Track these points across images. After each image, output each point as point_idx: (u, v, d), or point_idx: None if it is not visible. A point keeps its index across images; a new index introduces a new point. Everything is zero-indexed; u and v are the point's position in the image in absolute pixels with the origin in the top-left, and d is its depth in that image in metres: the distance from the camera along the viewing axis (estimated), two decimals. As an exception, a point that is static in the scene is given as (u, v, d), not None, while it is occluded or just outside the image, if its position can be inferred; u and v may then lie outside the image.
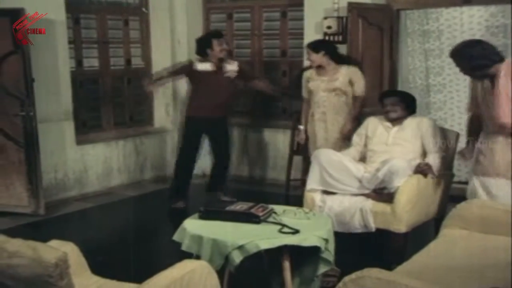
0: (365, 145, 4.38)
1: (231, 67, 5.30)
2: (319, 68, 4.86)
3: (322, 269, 3.14)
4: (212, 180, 5.59)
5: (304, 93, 5.02)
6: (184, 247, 3.02)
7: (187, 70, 5.34)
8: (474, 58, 3.48)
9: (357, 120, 4.78)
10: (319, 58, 4.80)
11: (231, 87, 5.36)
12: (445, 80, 5.55)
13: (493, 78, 3.51)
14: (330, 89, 4.81)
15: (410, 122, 4.23)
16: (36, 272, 1.92)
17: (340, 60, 4.89)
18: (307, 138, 5.02)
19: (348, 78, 4.79)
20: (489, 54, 3.50)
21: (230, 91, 5.34)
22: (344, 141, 4.73)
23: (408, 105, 4.26)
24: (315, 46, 4.85)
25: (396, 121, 4.26)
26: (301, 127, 5.05)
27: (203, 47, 5.25)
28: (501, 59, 3.52)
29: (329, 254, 3.07)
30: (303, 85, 5.04)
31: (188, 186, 5.47)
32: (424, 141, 4.15)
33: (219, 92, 5.23)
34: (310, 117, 4.97)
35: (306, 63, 5.38)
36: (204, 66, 5.21)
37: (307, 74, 4.99)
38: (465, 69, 3.63)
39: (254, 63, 6.41)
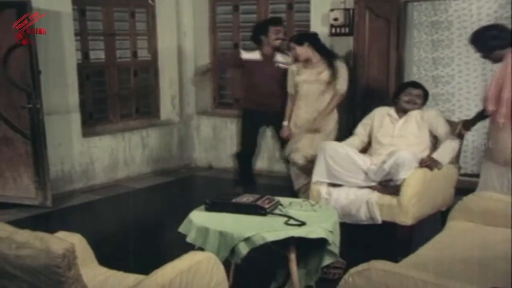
0: (370, 136, 4.38)
1: (283, 59, 5.06)
2: (306, 61, 4.76)
3: (327, 261, 3.14)
4: None
5: (290, 89, 4.89)
6: (189, 239, 3.03)
7: (232, 60, 5.13)
8: (489, 39, 3.69)
9: (328, 115, 4.70)
10: (304, 50, 4.70)
11: (280, 79, 4.96)
12: (454, 71, 5.52)
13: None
14: (318, 81, 4.72)
15: (415, 114, 4.23)
16: (44, 262, 1.93)
17: (324, 51, 4.78)
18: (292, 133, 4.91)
19: (332, 71, 4.68)
20: (504, 37, 3.67)
21: (279, 82, 4.96)
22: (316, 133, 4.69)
23: (425, 100, 4.30)
24: (298, 39, 4.76)
25: (402, 113, 4.26)
26: (285, 123, 4.92)
27: (258, 33, 5.05)
28: None
29: (334, 246, 3.08)
30: (288, 80, 4.90)
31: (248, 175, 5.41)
32: (436, 132, 4.15)
33: (267, 82, 5.00)
34: (296, 111, 4.86)
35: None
36: (250, 55, 5.03)
37: (292, 68, 4.86)
38: (482, 51, 3.81)
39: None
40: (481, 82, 5.36)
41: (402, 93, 4.27)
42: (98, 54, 6.15)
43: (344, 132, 5.13)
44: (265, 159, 6.32)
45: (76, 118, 5.69)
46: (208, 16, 6.65)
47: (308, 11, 5.84)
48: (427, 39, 5.57)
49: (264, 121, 5.22)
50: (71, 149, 5.70)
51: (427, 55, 5.58)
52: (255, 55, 5.08)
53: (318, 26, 5.65)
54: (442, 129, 4.13)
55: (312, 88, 4.75)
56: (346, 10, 5.46)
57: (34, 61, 4.90)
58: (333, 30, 5.56)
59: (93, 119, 6.16)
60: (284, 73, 4.97)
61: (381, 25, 5.19)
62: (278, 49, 5.10)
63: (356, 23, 5.24)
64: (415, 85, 4.36)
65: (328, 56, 4.78)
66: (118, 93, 6.36)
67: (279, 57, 5.10)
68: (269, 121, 5.19)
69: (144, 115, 6.67)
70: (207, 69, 5.46)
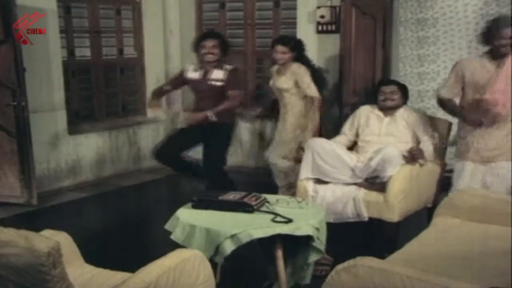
0: (357, 135, 4.39)
1: (216, 75, 4.63)
2: (281, 65, 4.74)
3: (313, 257, 3.15)
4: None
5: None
6: (174, 237, 3.02)
7: (180, 80, 4.94)
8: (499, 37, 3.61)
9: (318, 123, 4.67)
10: (285, 55, 4.65)
11: (220, 94, 4.61)
12: (439, 67, 5.56)
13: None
14: (278, 88, 4.77)
15: (402, 113, 4.26)
16: (29, 261, 1.92)
17: (299, 59, 4.69)
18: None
19: (293, 78, 4.65)
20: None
21: (219, 98, 4.59)
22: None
23: (403, 94, 4.31)
24: (285, 41, 4.73)
25: (388, 111, 4.28)
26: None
27: (194, 47, 4.79)
28: None
29: (320, 243, 3.08)
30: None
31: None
32: (416, 131, 4.17)
33: (207, 98, 4.69)
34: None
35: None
36: (193, 74, 4.79)
37: (274, 68, 4.88)
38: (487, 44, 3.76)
39: (247, 53, 6.40)
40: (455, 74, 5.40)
41: (377, 93, 4.32)
42: (83, 52, 6.10)
43: (331, 129, 5.15)
44: (243, 156, 6.39)
45: (62, 116, 5.65)
46: (194, 13, 6.63)
47: (294, 8, 5.84)
48: (412, 36, 5.60)
49: (201, 134, 4.77)
50: (57, 147, 5.66)
51: (412, 52, 5.62)
52: (195, 75, 4.78)
53: (305, 23, 5.66)
54: (420, 129, 4.16)
55: (280, 96, 4.80)
56: (333, 7, 5.48)
57: (18, 59, 4.85)
58: (320, 28, 5.58)
59: (79, 116, 6.12)
60: (220, 89, 4.64)
61: (367, 23, 5.21)
62: (211, 64, 4.67)
63: (342, 20, 5.26)
64: (387, 82, 4.42)
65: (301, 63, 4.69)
66: (104, 90, 6.32)
67: (214, 74, 4.64)
68: (204, 134, 4.74)
69: (130, 113, 6.63)
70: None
